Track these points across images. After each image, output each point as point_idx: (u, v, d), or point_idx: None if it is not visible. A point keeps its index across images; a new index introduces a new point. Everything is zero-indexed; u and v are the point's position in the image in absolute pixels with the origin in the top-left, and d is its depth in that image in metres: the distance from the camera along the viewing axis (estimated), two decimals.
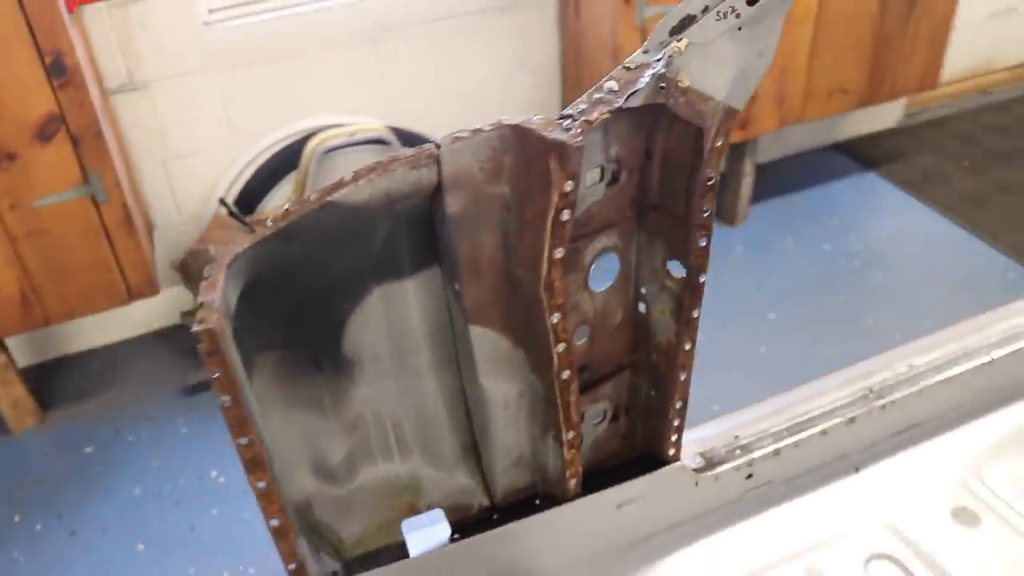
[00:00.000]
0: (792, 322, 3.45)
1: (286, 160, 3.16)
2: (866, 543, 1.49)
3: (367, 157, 3.21)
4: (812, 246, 3.83)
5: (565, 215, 0.97)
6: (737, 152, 3.90)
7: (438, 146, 0.98)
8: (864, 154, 4.61)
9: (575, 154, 0.93)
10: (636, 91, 0.94)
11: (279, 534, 1.05)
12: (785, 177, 4.38)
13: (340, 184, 0.98)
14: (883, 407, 1.57)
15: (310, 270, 1.09)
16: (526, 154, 0.97)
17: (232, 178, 3.15)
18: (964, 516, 1.54)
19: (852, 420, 1.54)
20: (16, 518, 2.80)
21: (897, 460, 1.62)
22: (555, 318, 1.05)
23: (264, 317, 1.10)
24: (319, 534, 1.27)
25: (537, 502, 1.36)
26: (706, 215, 1.07)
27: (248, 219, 3.09)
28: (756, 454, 1.46)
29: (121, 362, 3.36)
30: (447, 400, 1.29)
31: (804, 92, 3.70)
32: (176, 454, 2.97)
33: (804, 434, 1.50)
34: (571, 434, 1.20)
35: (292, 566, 1.11)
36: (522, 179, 0.99)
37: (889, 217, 4.17)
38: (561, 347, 1.09)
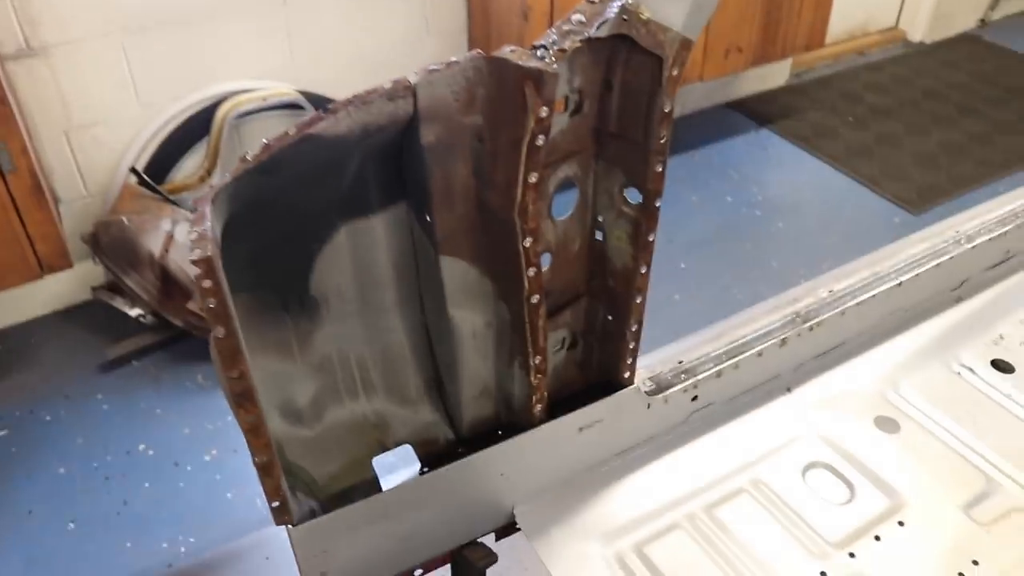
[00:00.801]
0: (703, 270, 3.61)
1: (197, 127, 3.09)
2: (802, 454, 1.61)
3: (280, 122, 3.16)
4: (716, 199, 4.00)
5: (540, 140, 1.01)
6: None
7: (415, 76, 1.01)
8: (758, 111, 4.82)
9: (551, 80, 0.97)
10: (605, 21, 0.99)
11: (265, 471, 1.07)
12: (687, 135, 4.54)
13: (318, 117, 0.99)
14: (810, 328, 1.69)
15: (282, 208, 1.10)
16: (501, 83, 1.01)
17: (140, 147, 3.06)
18: (885, 424, 1.68)
19: (784, 342, 1.66)
20: None
21: (824, 378, 1.75)
22: (527, 242, 1.10)
23: (236, 258, 1.10)
24: (291, 474, 1.29)
25: (500, 432, 1.41)
26: (663, 142, 1.13)
27: (160, 187, 3.01)
28: (700, 376, 1.56)
29: (32, 342, 3.23)
30: (411, 336, 1.33)
31: (703, 52, 3.84)
32: (100, 431, 2.89)
33: (742, 356, 1.61)
34: (538, 359, 1.26)
35: (276, 503, 1.13)
36: (496, 108, 1.03)
37: (784, 169, 4.39)
38: (532, 271, 1.14)
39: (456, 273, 1.19)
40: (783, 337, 1.65)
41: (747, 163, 4.39)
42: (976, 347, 1.87)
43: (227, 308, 0.93)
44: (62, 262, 2.77)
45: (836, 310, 1.73)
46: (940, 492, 1.54)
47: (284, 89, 3.13)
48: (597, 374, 1.46)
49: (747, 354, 1.61)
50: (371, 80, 3.61)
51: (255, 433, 1.06)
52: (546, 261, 1.26)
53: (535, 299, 1.18)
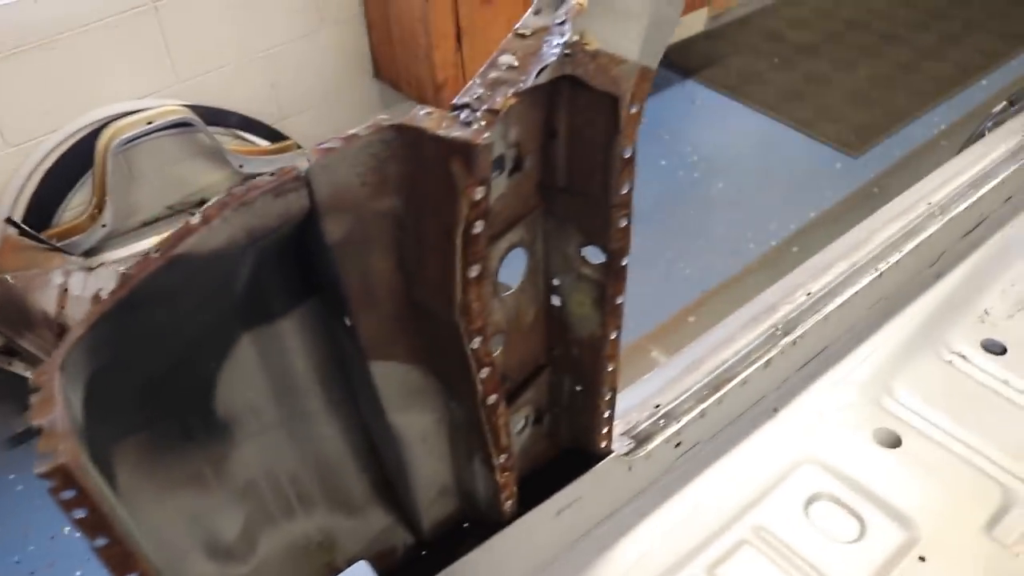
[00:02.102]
0: (648, 244, 3.41)
1: (77, 160, 2.75)
2: (801, 487, 1.44)
3: (173, 143, 2.85)
4: (650, 164, 3.80)
5: (478, 227, 0.79)
6: None
7: (307, 162, 0.78)
8: (680, 62, 4.62)
9: (484, 154, 0.75)
10: (546, 66, 0.77)
11: None
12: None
13: (188, 230, 0.76)
14: (793, 342, 1.51)
15: (162, 336, 0.87)
16: (419, 159, 0.78)
17: (16, 193, 2.71)
18: (885, 437, 1.52)
19: (768, 363, 1.48)
20: None
21: (811, 393, 1.58)
22: (475, 343, 0.89)
23: (115, 402, 0.88)
24: None
25: (466, 525, 1.21)
26: (624, 192, 0.93)
27: (44, 234, 2.69)
28: (683, 421, 1.37)
29: None
30: (347, 439, 1.11)
31: None
32: (17, 517, 2.56)
33: (726, 388, 1.42)
34: (503, 457, 1.05)
35: None
36: (416, 189, 0.80)
37: (716, 123, 4.21)
38: (484, 372, 0.93)
39: (392, 378, 0.97)
40: (767, 358, 1.47)
41: (676, 120, 4.20)
42: (963, 329, 1.72)
43: (102, 513, 0.71)
44: None
45: (818, 315, 1.56)
46: (957, 514, 1.39)
47: (171, 106, 2.81)
48: (568, 441, 1.26)
49: (731, 385, 1.43)
50: (266, 82, 3.22)
51: None
52: (499, 342, 1.04)
53: (492, 399, 0.97)
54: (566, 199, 0.96)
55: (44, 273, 2.60)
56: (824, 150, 3.87)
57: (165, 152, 2.86)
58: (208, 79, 3.05)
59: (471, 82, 0.79)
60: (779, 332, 1.52)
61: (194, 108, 2.88)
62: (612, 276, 1.00)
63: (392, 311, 0.90)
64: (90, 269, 2.67)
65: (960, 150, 2.62)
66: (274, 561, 1.12)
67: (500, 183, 0.90)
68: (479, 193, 0.77)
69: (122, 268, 0.78)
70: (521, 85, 0.77)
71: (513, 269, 1.04)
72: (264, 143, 3.10)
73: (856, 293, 1.61)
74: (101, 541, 0.73)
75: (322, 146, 0.78)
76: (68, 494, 0.69)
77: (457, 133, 0.75)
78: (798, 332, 1.52)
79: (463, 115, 0.76)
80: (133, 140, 2.73)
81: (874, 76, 4.41)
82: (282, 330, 0.97)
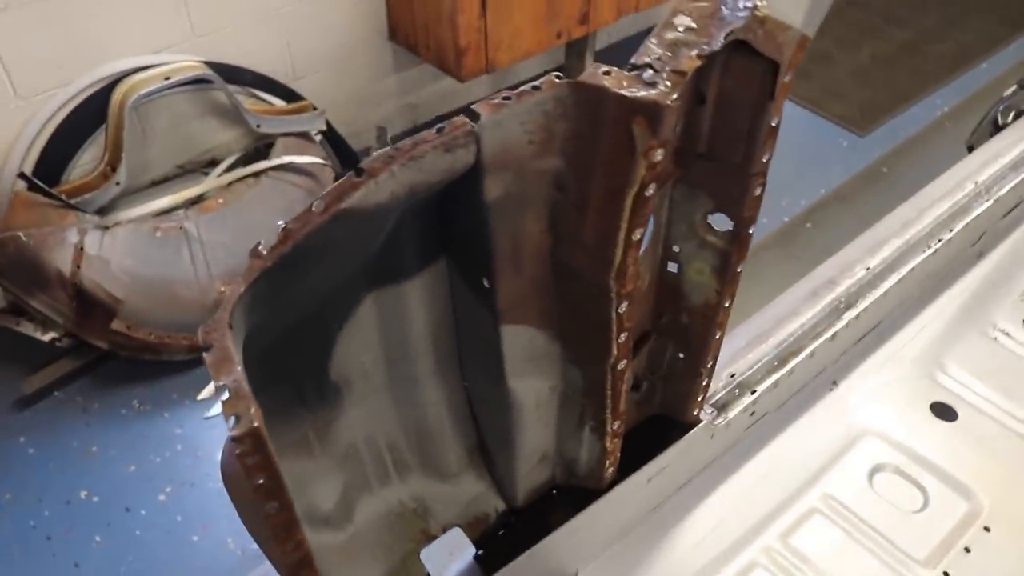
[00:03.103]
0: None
1: (90, 116, 2.67)
2: (865, 458, 1.47)
3: (188, 99, 2.78)
4: None
5: (651, 189, 0.79)
6: (579, 48, 3.76)
7: (475, 117, 0.76)
8: None
9: (670, 115, 0.74)
10: (731, 29, 0.76)
11: None
12: (620, 65, 4.28)
13: (352, 184, 0.74)
14: (856, 317, 1.53)
15: (303, 294, 0.85)
16: (594, 119, 0.77)
17: (26, 147, 2.63)
18: (942, 411, 1.55)
19: (834, 336, 1.49)
20: None
21: (867, 366, 1.60)
22: (623, 307, 0.88)
23: (249, 361, 0.86)
24: None
25: (554, 492, 1.21)
26: (766, 161, 0.92)
27: (57, 191, 2.61)
28: (759, 391, 1.38)
29: None
30: (449, 405, 1.10)
31: None
32: (31, 481, 2.51)
33: (796, 360, 1.44)
34: (617, 424, 1.05)
35: None
36: (585, 149, 0.79)
37: None
38: (623, 336, 0.92)
39: (520, 342, 0.96)
40: (833, 332, 1.48)
41: None
42: (1006, 307, 1.76)
43: (280, 480, 0.69)
44: None
45: (878, 290, 1.57)
46: (1016, 485, 1.42)
47: (188, 63, 2.74)
48: (657, 409, 1.26)
49: (801, 356, 1.44)
50: (282, 41, 3.13)
51: None
52: None
53: (622, 364, 0.96)
54: (703, 166, 0.95)
55: (59, 231, 2.54)
56: (830, 127, 3.90)
57: (180, 109, 2.79)
58: (223, 35, 2.97)
59: (646, 42, 0.78)
60: (842, 306, 1.54)
61: (210, 65, 2.81)
62: (737, 244, 1.00)
63: (534, 274, 0.89)
64: (106, 228, 2.61)
65: (973, 132, 2.67)
66: (370, 528, 1.12)
67: None
68: (659, 155, 0.76)
69: (282, 223, 0.76)
70: (705, 47, 0.76)
71: None
72: (280, 103, 3.04)
73: (912, 270, 1.63)
74: (272, 506, 0.72)
75: (494, 101, 0.77)
76: (253, 459, 0.68)
77: (643, 93, 0.74)
78: (860, 307, 1.54)
79: (646, 75, 0.75)
80: (150, 96, 2.66)
81: (876, 56, 4.44)
82: (407, 291, 0.96)
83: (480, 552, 1.14)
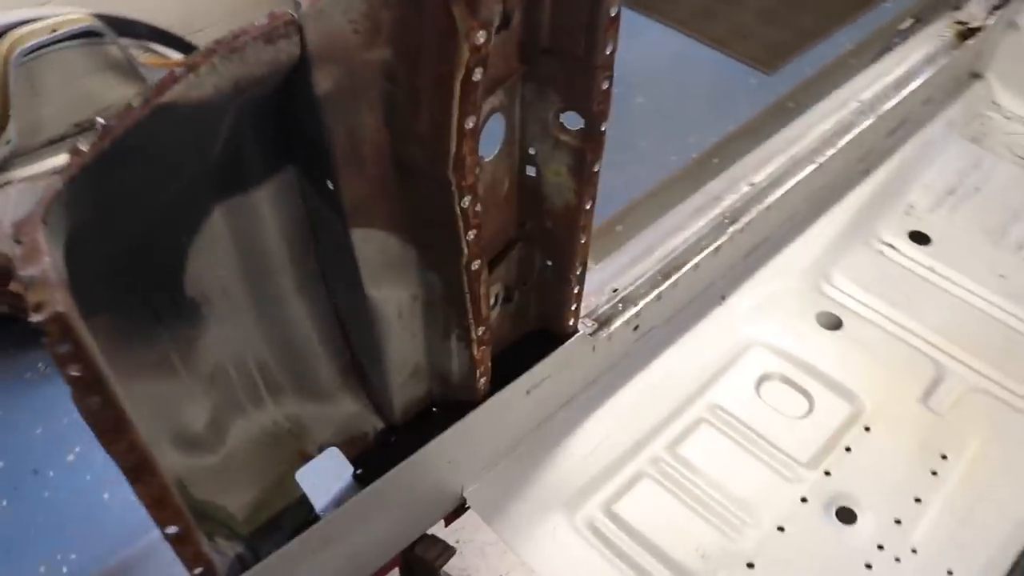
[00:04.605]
0: None
1: None
2: (752, 368, 1.50)
3: (80, 54, 2.67)
4: None
5: (477, 74, 0.78)
6: None
7: (296, 6, 0.74)
8: None
9: None
10: None
11: (182, 540, 0.83)
12: None
13: (173, 79, 0.71)
14: (741, 230, 1.55)
15: (137, 199, 0.82)
16: (416, 3, 0.75)
17: None
18: (827, 320, 1.59)
19: (718, 250, 1.51)
20: None
21: (755, 280, 1.63)
22: (466, 201, 0.88)
23: (86, 273, 0.83)
24: (205, 516, 1.05)
25: (435, 409, 1.21)
26: (609, 53, 0.92)
27: None
28: (641, 304, 1.40)
29: None
30: (317, 323, 1.09)
31: None
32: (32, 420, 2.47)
33: (679, 273, 1.45)
34: (481, 330, 1.05)
35: (199, 570, 0.89)
36: (411, 36, 0.78)
37: (632, 40, 4.19)
38: (471, 234, 0.92)
39: (372, 247, 0.95)
40: (717, 245, 1.50)
41: None
42: (891, 221, 1.80)
43: (99, 372, 0.68)
44: None
45: (762, 205, 1.60)
46: (896, 387, 1.47)
47: (75, 15, 2.63)
48: (534, 323, 1.27)
49: (684, 269, 1.46)
50: None
51: (162, 505, 0.82)
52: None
53: (476, 265, 0.96)
54: (548, 60, 0.94)
55: None
56: (738, 67, 3.93)
57: (71, 65, 2.68)
58: None
59: None
60: (727, 220, 1.56)
61: (100, 17, 2.70)
62: (591, 142, 1.00)
63: (376, 172, 0.88)
64: None
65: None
66: (244, 450, 1.10)
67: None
68: (481, 36, 0.75)
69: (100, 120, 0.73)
70: None
71: (490, 140, 1.02)
72: (178, 56, 2.94)
73: (796, 184, 1.65)
74: (95, 402, 0.70)
75: None
76: (64, 347, 0.66)
77: None
78: (744, 220, 1.56)
79: None
80: (35, 50, 2.56)
81: None
82: (256, 201, 0.93)
83: (359, 471, 1.14)
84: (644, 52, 4.12)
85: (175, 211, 0.89)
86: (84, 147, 0.72)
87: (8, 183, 2.54)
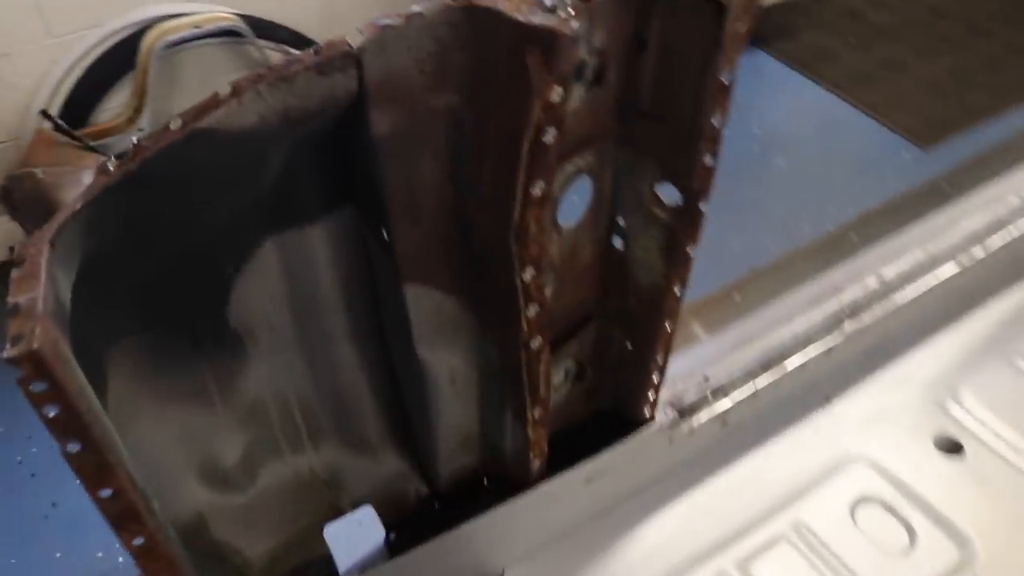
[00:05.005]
0: None
1: (120, 60, 2.66)
2: (850, 487, 1.32)
3: (219, 52, 2.74)
4: None
5: (549, 135, 0.68)
6: None
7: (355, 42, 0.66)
8: (752, 31, 4.42)
9: (568, 46, 0.63)
10: None
11: None
12: None
13: (215, 102, 0.65)
14: (860, 330, 1.38)
15: (176, 224, 0.77)
16: (489, 47, 0.66)
17: (53, 86, 2.63)
18: (946, 445, 1.40)
19: (829, 352, 1.35)
20: None
21: (869, 386, 1.45)
22: (528, 274, 0.77)
23: (115, 295, 0.78)
24: (218, 557, 0.99)
25: (485, 483, 1.11)
26: (715, 124, 0.80)
27: (79, 133, 2.60)
28: (733, 397, 1.25)
29: None
30: (368, 371, 1.01)
31: None
32: (24, 415, 2.44)
33: (783, 369, 1.30)
34: (538, 411, 0.94)
35: None
36: (482, 86, 0.69)
37: (783, 97, 4.03)
38: (532, 310, 0.81)
39: (426, 306, 0.86)
40: (829, 347, 1.34)
41: (741, 89, 3.95)
42: None
43: (79, 415, 0.61)
44: None
45: (888, 304, 1.42)
46: (1019, 536, 1.26)
47: (220, 13, 2.70)
48: (608, 404, 1.15)
49: (788, 366, 1.31)
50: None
51: (149, 556, 0.75)
52: (549, 281, 0.93)
53: (536, 343, 0.85)
54: (647, 126, 0.83)
55: (75, 171, 2.52)
56: (892, 137, 3.68)
57: (210, 60, 2.75)
58: None
59: None
60: (844, 316, 1.39)
61: (244, 18, 2.76)
62: (686, 221, 0.88)
63: (436, 228, 0.79)
64: None
65: None
66: (273, 494, 1.03)
67: (577, 95, 0.77)
68: (556, 95, 0.65)
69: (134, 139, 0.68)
70: None
71: (574, 205, 0.92)
72: None
73: (932, 286, 1.47)
74: (73, 447, 0.64)
75: (378, 22, 0.67)
76: (39, 386, 0.59)
77: (539, 19, 0.63)
78: (865, 320, 1.39)
79: (547, 0, 0.64)
80: (179, 44, 2.63)
81: (955, 68, 4.18)
82: (311, 238, 0.87)
83: (392, 536, 1.05)
84: (793, 111, 3.93)
85: (222, 238, 0.83)
86: (112, 166, 0.66)
87: None
